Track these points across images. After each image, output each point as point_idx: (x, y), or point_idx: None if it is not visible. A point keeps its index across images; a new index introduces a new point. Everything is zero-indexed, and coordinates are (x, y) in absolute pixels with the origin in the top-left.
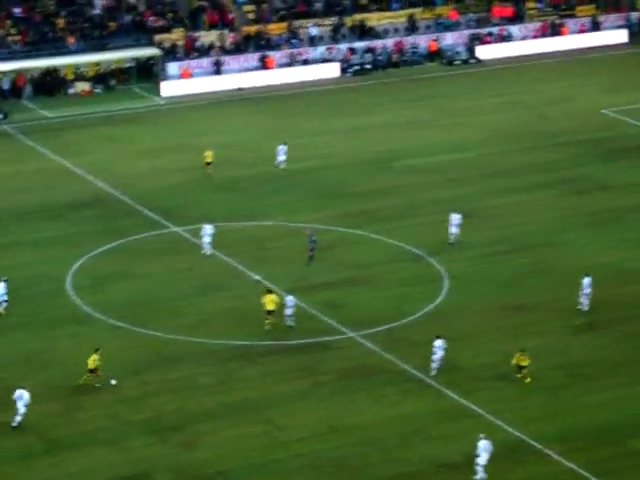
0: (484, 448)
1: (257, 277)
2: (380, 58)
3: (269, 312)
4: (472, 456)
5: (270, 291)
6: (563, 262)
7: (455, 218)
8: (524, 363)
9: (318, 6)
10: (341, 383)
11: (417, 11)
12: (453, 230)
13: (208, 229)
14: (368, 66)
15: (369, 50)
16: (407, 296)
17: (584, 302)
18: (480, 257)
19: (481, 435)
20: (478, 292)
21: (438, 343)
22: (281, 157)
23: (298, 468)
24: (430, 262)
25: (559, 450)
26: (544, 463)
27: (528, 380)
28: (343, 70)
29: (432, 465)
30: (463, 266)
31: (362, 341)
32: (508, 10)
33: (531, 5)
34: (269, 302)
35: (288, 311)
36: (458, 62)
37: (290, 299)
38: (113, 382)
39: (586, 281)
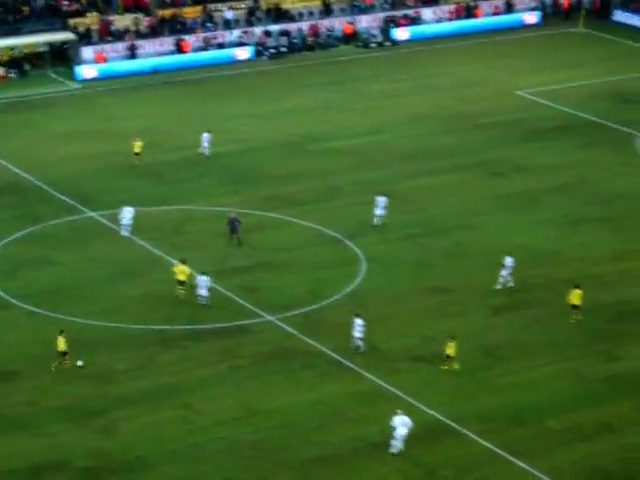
0: (402, 423)
1: (175, 262)
2: (295, 41)
3: (180, 282)
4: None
5: (184, 261)
6: (481, 244)
7: (381, 201)
8: (451, 352)
9: None
10: (259, 367)
11: None
12: (378, 212)
13: (127, 212)
14: (283, 49)
15: (284, 33)
16: (325, 279)
17: (504, 280)
18: (398, 239)
19: (398, 410)
20: (396, 274)
21: (359, 321)
22: (205, 144)
23: (217, 452)
24: (348, 245)
25: (477, 430)
26: (462, 444)
27: (452, 367)
28: (258, 53)
29: (351, 447)
30: (381, 248)
31: (280, 324)
32: None
33: None
34: (179, 272)
35: (202, 291)
36: (373, 45)
37: (202, 279)
38: (80, 363)
39: (509, 260)
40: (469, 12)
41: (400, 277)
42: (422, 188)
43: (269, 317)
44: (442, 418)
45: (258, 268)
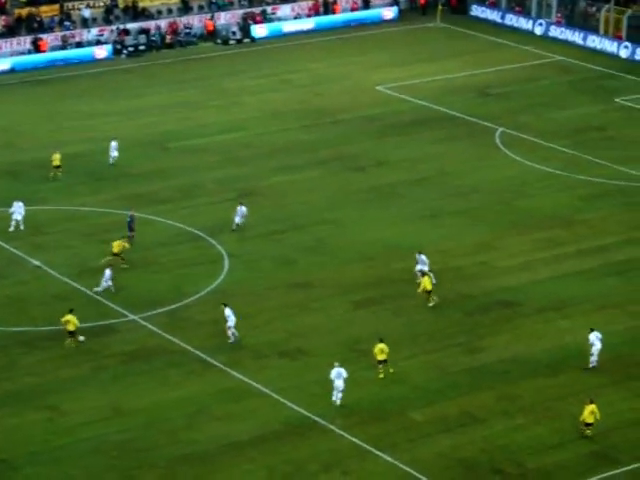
0: (337, 374)
1: (37, 263)
2: (154, 39)
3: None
4: (257, 435)
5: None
6: (342, 239)
7: (241, 210)
8: (382, 357)
9: None
10: (124, 366)
11: None
12: (237, 220)
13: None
14: (142, 47)
15: (143, 31)
16: (188, 277)
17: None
18: (260, 236)
19: (335, 363)
20: (259, 271)
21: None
22: (114, 153)
23: (83, 453)
24: (210, 242)
25: (342, 425)
26: (328, 439)
27: (387, 371)
28: (117, 52)
29: (217, 444)
30: (244, 245)
31: (144, 323)
32: None
33: None
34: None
35: (106, 283)
36: (233, 42)
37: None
38: (81, 338)
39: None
40: (327, 8)
41: (263, 273)
42: (283, 184)
43: (133, 316)
44: (308, 414)
45: (121, 267)
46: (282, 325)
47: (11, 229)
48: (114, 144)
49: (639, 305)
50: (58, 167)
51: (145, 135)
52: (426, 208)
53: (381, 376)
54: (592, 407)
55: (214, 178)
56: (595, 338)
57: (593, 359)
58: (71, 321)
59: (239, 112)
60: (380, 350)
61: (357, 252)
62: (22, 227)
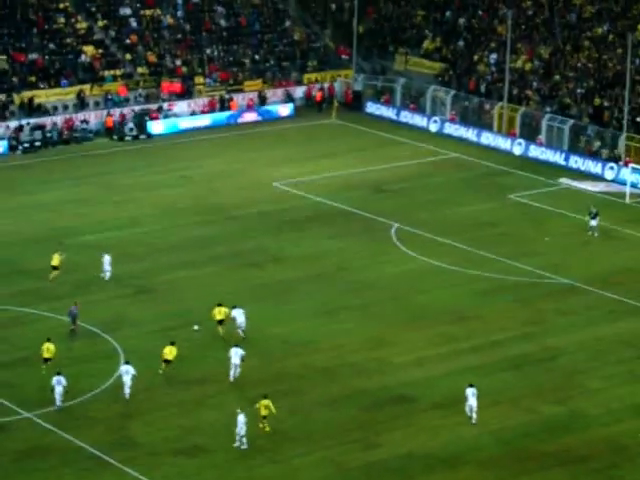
0: None
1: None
2: (50, 135)
3: None
4: None
5: None
6: (235, 334)
7: (107, 258)
8: (265, 413)
9: None
10: (17, 465)
11: (86, 87)
12: (107, 268)
13: None
14: (38, 143)
15: (39, 127)
16: (83, 373)
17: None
18: (155, 332)
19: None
20: (153, 367)
21: (124, 368)
22: (107, 268)
23: None
24: (105, 338)
25: None
26: None
27: (267, 429)
28: (12, 148)
29: None
30: (139, 341)
31: (38, 421)
32: (176, 86)
33: (199, 80)
34: None
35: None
36: (129, 138)
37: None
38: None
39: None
40: (223, 105)
41: (157, 370)
42: (179, 280)
43: (27, 414)
44: None
45: (15, 364)
46: (177, 421)
47: None
48: (108, 258)
49: (533, 400)
50: (56, 268)
51: (40, 231)
52: (322, 304)
53: (261, 426)
54: None
55: (110, 274)
56: (470, 394)
57: (474, 415)
58: None
59: (135, 208)
60: (264, 406)
61: (253, 348)
62: None
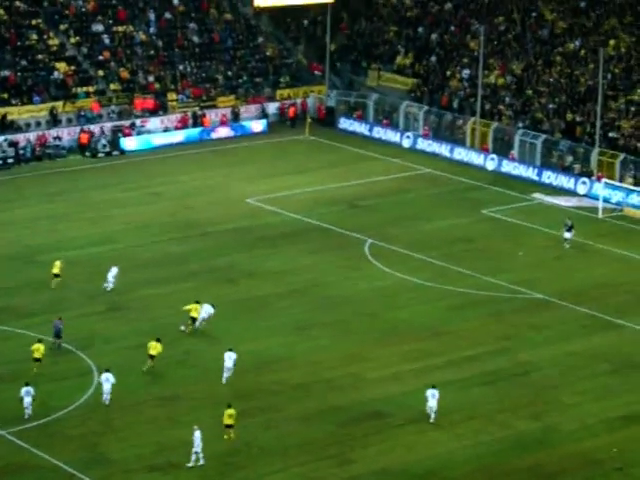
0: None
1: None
2: (23, 152)
3: None
4: None
5: None
6: (211, 351)
7: (113, 270)
8: (229, 422)
9: None
10: None
11: (58, 104)
12: (110, 278)
13: None
14: (11, 160)
15: (12, 144)
16: (56, 391)
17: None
18: (129, 349)
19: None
20: (128, 384)
21: (105, 376)
22: (111, 279)
23: None
24: (80, 355)
25: None
26: None
27: (232, 436)
28: None
29: None
30: (113, 358)
31: (11, 438)
32: (149, 102)
33: (172, 97)
34: None
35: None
36: (102, 154)
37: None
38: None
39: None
40: (196, 121)
41: (132, 386)
42: (153, 297)
43: (0, 431)
44: None
45: None
46: (151, 438)
47: None
48: (114, 269)
49: (507, 415)
50: (57, 275)
51: (13, 248)
52: (296, 320)
53: (226, 437)
54: None
55: (82, 291)
56: (430, 395)
57: (432, 415)
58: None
59: (108, 225)
60: (228, 415)
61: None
62: None
